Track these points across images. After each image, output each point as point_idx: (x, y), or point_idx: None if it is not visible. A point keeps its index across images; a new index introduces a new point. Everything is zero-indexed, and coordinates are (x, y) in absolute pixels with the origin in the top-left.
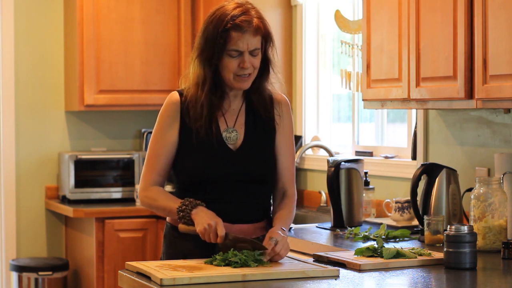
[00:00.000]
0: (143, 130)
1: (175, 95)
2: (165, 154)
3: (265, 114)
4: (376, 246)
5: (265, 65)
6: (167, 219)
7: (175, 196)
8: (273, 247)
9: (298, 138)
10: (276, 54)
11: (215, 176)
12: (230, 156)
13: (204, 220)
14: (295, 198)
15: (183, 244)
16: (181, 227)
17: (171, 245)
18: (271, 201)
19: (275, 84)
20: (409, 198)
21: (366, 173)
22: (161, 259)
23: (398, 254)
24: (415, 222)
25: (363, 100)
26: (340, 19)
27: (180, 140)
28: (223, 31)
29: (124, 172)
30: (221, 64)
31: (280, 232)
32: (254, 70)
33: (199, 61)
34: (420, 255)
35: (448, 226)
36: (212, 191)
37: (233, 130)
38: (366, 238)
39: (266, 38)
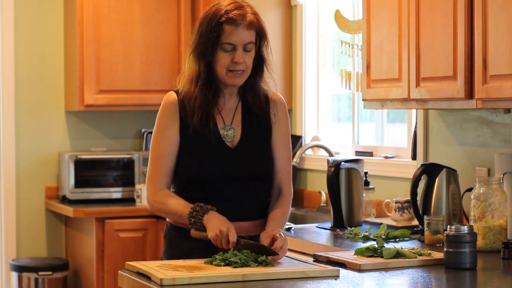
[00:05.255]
0: (143, 130)
1: (172, 95)
2: (169, 154)
3: (260, 113)
4: (376, 246)
5: (260, 64)
6: (167, 219)
7: (180, 197)
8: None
9: (298, 138)
10: (271, 53)
11: (214, 174)
12: (228, 153)
13: (216, 226)
14: (290, 197)
15: (183, 244)
16: (193, 233)
17: (172, 244)
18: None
19: (270, 84)
20: (409, 198)
21: (366, 173)
22: (161, 259)
23: (398, 254)
24: (415, 222)
25: (363, 100)
26: (340, 19)
27: (181, 139)
28: (216, 25)
29: (124, 172)
30: (215, 59)
31: (281, 232)
32: (247, 68)
33: (194, 56)
34: (420, 255)
35: (448, 226)
36: (210, 189)
37: (230, 127)
38: (366, 238)
39: (261, 35)
